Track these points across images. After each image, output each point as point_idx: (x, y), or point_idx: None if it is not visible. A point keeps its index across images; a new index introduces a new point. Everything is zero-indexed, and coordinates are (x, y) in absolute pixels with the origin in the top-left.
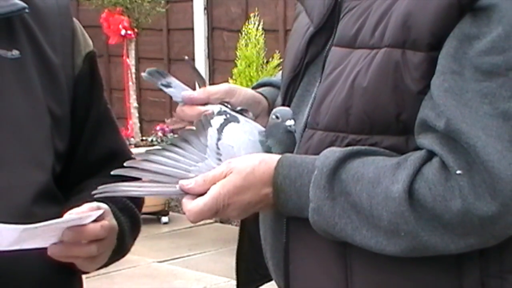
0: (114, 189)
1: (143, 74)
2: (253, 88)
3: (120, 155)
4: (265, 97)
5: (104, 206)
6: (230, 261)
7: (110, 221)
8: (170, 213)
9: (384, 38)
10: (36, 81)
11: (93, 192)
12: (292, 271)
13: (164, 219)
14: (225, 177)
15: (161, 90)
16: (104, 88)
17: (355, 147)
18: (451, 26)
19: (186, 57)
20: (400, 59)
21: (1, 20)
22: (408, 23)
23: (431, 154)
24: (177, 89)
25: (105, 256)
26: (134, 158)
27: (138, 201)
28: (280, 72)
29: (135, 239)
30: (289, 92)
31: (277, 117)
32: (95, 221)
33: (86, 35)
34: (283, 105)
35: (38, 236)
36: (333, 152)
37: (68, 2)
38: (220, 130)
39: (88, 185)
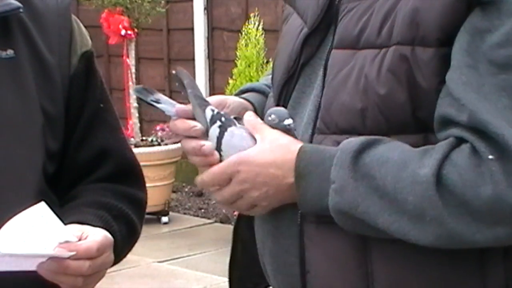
0: None
1: (132, 91)
2: (236, 94)
3: (113, 154)
4: (251, 103)
5: (107, 239)
6: None
7: (107, 257)
8: (170, 213)
9: (392, 36)
10: (31, 80)
11: None
12: (310, 279)
13: (164, 219)
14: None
15: (152, 105)
16: (102, 87)
17: (378, 136)
18: (460, 21)
19: (174, 71)
20: (410, 56)
21: None
22: (416, 20)
23: (459, 141)
24: (167, 105)
25: (92, 285)
26: (131, 158)
27: (138, 205)
28: (264, 77)
29: (133, 244)
30: (283, 94)
31: (274, 118)
32: (88, 258)
33: (85, 34)
34: (277, 105)
35: (18, 262)
36: (356, 138)
37: (69, 3)
38: (218, 146)
39: (82, 191)
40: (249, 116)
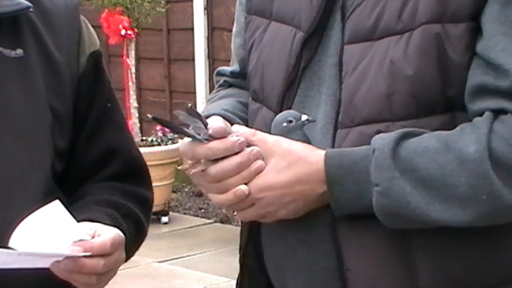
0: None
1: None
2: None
3: (120, 154)
4: None
5: (119, 237)
6: (230, 261)
7: (120, 255)
8: (170, 213)
9: (416, 17)
10: (39, 79)
11: None
12: (351, 277)
13: (164, 219)
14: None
15: (179, 132)
16: (109, 87)
17: (407, 129)
18: None
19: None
20: (441, 34)
21: (6, 19)
22: None
23: (496, 113)
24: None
25: (104, 284)
26: (138, 157)
27: (145, 204)
28: (215, 102)
29: (140, 243)
30: (285, 101)
31: (290, 121)
32: (101, 255)
33: (94, 34)
34: (278, 113)
35: (34, 260)
36: (387, 135)
37: (77, 3)
38: None
39: (90, 189)
40: (240, 130)
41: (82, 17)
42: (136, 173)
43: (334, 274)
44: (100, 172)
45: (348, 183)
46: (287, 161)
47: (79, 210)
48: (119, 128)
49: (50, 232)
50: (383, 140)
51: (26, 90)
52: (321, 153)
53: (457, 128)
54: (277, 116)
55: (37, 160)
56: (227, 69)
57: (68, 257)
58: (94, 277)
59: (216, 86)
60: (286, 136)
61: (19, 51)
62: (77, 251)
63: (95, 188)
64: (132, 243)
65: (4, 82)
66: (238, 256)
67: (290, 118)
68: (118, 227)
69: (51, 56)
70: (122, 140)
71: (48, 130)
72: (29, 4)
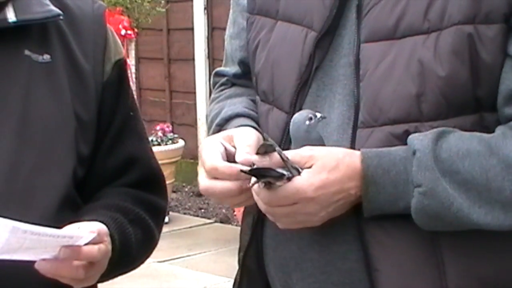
0: None
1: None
2: (220, 124)
3: (140, 163)
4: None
5: (103, 229)
6: (230, 261)
7: (107, 245)
8: (170, 213)
9: (445, 17)
10: (65, 85)
11: None
12: (380, 277)
13: (164, 219)
14: (304, 164)
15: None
16: (132, 96)
17: (440, 128)
18: None
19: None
20: (474, 34)
21: (36, 25)
22: None
23: None
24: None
25: (92, 280)
26: (156, 167)
27: (157, 212)
28: (223, 102)
29: (150, 249)
30: (298, 101)
31: (311, 118)
32: (93, 243)
33: (119, 42)
34: (292, 114)
35: (29, 249)
36: (423, 135)
37: (104, 11)
38: None
39: (105, 193)
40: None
41: (108, 25)
42: (153, 182)
43: (360, 275)
44: (118, 179)
45: (385, 184)
46: (334, 160)
47: (87, 213)
48: (140, 137)
49: (34, 244)
50: (421, 141)
51: (52, 95)
52: (357, 153)
53: (498, 132)
54: (297, 115)
55: (60, 165)
56: (228, 70)
57: (65, 246)
58: (81, 270)
59: (216, 85)
60: (306, 136)
61: (46, 57)
62: (83, 233)
63: (109, 192)
64: (140, 248)
65: (31, 86)
66: (237, 256)
67: (311, 115)
68: (122, 231)
69: (77, 63)
70: (143, 150)
71: (72, 136)
72: (60, 12)
